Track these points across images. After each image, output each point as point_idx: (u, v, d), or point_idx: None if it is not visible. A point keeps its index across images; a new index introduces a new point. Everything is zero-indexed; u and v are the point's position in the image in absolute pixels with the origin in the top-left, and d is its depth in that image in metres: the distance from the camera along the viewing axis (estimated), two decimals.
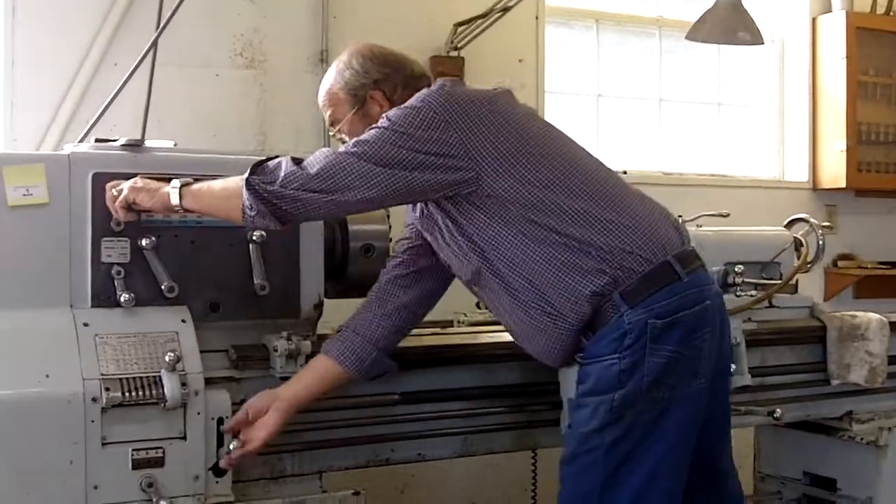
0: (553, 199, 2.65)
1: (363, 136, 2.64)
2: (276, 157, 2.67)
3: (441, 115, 2.63)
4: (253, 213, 2.59)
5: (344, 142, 2.80)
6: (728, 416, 2.96)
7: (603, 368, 2.62)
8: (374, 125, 2.67)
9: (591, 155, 2.91)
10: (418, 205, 2.84)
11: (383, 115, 2.68)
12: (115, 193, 2.68)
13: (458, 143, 2.63)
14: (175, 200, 2.65)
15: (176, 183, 2.66)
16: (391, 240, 3.17)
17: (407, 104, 2.68)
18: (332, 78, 2.90)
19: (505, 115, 2.76)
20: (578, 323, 2.65)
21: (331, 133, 2.97)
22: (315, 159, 2.61)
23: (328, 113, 2.91)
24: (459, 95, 2.73)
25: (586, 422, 2.66)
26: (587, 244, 2.62)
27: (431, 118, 2.62)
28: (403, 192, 2.64)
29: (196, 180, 2.69)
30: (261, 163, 2.65)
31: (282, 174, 2.58)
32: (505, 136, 2.69)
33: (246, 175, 2.60)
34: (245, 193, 2.58)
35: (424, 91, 2.73)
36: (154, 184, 2.68)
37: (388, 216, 3.19)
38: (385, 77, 2.87)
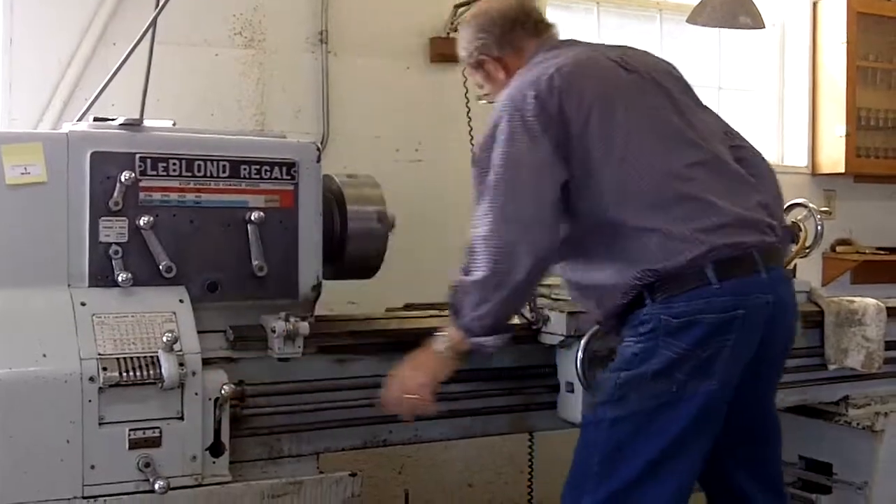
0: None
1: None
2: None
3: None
4: (495, 343, 2.74)
5: (492, 103, 2.93)
6: (771, 429, 3.00)
7: (623, 349, 2.73)
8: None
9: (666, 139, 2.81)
10: None
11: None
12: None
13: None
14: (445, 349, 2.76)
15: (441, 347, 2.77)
16: (392, 222, 3.17)
17: None
18: (458, 53, 3.08)
19: None
20: (620, 302, 2.71)
21: (478, 99, 3.17)
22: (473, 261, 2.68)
23: (474, 83, 3.13)
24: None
25: (601, 394, 2.77)
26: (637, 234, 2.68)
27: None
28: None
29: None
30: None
31: (465, 313, 2.69)
32: None
33: (456, 323, 2.72)
34: (473, 341, 2.73)
35: None
36: (429, 358, 2.78)
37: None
38: (483, 42, 2.97)
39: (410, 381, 2.77)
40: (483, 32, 2.98)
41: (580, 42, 3.03)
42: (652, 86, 2.82)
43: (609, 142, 2.69)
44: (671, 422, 2.64)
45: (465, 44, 3.03)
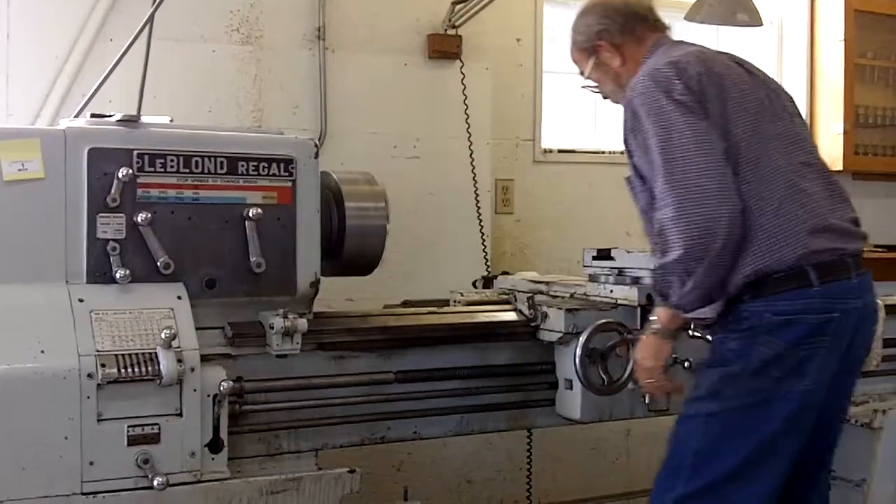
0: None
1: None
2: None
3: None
4: (712, 311, 2.73)
5: (595, 91, 3.15)
6: (839, 425, 2.99)
7: (718, 344, 2.76)
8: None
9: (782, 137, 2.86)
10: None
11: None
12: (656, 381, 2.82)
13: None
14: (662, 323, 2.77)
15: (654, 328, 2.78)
16: (388, 219, 3.16)
17: None
18: (572, 39, 3.15)
19: None
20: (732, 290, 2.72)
21: (583, 87, 3.21)
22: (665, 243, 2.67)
23: (579, 69, 3.17)
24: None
25: (696, 388, 2.78)
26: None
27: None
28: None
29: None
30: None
31: (674, 293, 2.68)
32: None
33: (671, 301, 2.71)
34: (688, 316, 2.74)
35: None
36: (650, 343, 2.80)
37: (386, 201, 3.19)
38: (605, 28, 3.03)
39: (640, 367, 2.83)
40: (606, 19, 3.04)
41: (695, 43, 3.10)
42: (766, 90, 2.89)
43: (741, 128, 2.74)
44: (764, 420, 2.67)
45: (582, 28, 3.09)
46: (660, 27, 3.05)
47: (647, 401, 3.17)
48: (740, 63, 2.92)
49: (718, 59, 2.87)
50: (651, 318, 2.82)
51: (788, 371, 2.66)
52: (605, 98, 3.19)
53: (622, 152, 5.78)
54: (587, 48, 3.07)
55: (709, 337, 2.86)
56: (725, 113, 2.73)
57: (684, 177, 2.63)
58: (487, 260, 4.87)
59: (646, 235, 2.90)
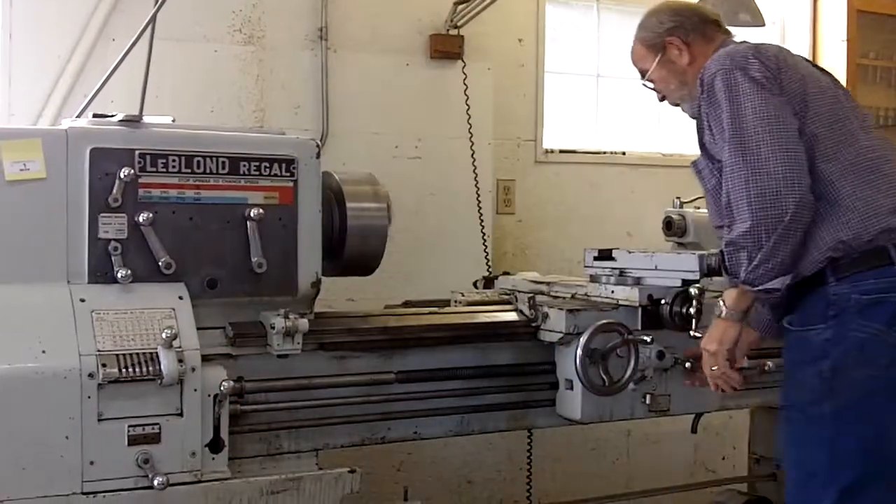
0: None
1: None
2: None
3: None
4: (782, 284, 2.67)
5: (655, 91, 3.19)
6: None
7: (810, 337, 2.71)
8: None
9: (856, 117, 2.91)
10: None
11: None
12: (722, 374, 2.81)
13: None
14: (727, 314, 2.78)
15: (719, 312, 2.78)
16: (390, 219, 3.16)
17: None
18: (638, 36, 3.18)
19: None
20: (805, 274, 2.71)
21: (642, 83, 3.22)
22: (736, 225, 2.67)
23: (639, 67, 3.19)
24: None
25: (801, 394, 2.73)
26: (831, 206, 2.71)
27: None
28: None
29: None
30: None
31: (743, 268, 2.66)
32: None
33: (738, 281, 2.70)
34: (759, 289, 2.67)
35: None
36: (715, 326, 2.80)
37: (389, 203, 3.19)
38: (676, 25, 3.09)
39: (707, 357, 2.82)
40: (678, 17, 3.10)
41: None
42: (836, 86, 2.92)
43: (820, 108, 2.77)
44: (881, 409, 2.63)
45: (652, 24, 3.14)
46: (725, 32, 3.13)
47: (655, 404, 3.15)
48: (809, 61, 3.01)
49: (794, 56, 2.92)
50: (719, 300, 2.81)
51: (891, 353, 2.62)
52: (661, 100, 3.22)
53: (623, 153, 5.83)
54: (656, 44, 3.11)
55: (787, 325, 2.79)
56: (804, 94, 2.77)
57: (756, 149, 2.65)
58: (488, 260, 4.87)
59: (711, 220, 2.95)
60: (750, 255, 2.63)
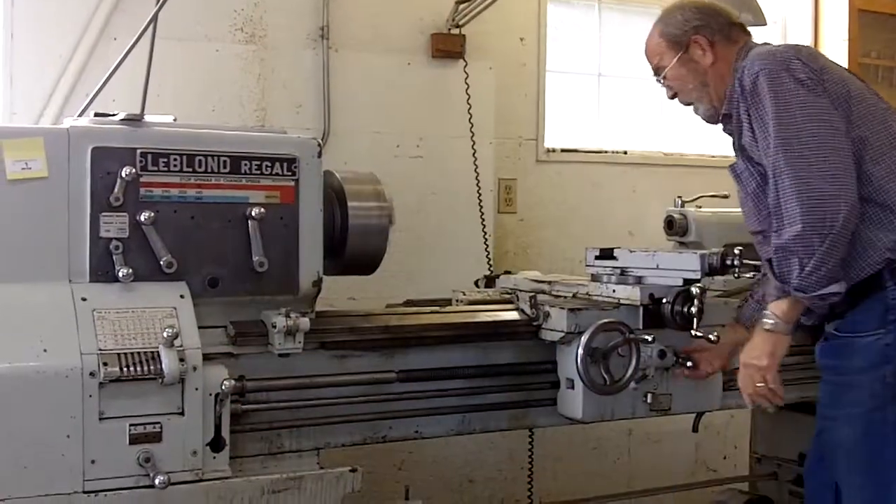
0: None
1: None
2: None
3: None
4: (836, 290, 2.62)
5: (669, 87, 3.07)
6: None
7: (868, 343, 2.68)
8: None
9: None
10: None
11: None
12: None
13: None
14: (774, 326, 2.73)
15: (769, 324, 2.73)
16: (391, 219, 3.16)
17: None
18: (658, 30, 3.10)
19: None
20: (859, 277, 2.69)
21: (656, 79, 3.12)
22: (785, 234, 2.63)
23: (654, 63, 3.10)
24: None
25: (863, 402, 2.69)
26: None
27: None
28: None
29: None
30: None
31: (794, 274, 2.61)
32: None
33: (789, 288, 2.65)
34: (812, 296, 2.63)
35: None
36: (762, 339, 2.74)
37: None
38: (703, 24, 3.03)
39: (754, 372, 2.76)
40: (704, 15, 3.05)
41: None
42: (869, 88, 2.90)
43: (866, 110, 2.76)
44: None
45: (677, 20, 3.06)
46: (747, 33, 3.09)
47: (657, 404, 3.14)
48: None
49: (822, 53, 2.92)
50: (764, 312, 2.75)
51: None
52: (671, 97, 3.13)
53: (624, 152, 5.82)
54: (679, 42, 3.03)
55: (835, 332, 2.77)
56: (848, 96, 2.74)
57: (806, 152, 2.61)
58: (490, 259, 4.88)
59: (748, 224, 2.91)
60: (801, 260, 2.58)
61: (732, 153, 3.00)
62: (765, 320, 2.74)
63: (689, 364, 3.17)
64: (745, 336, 2.98)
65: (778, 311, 2.71)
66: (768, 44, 3.05)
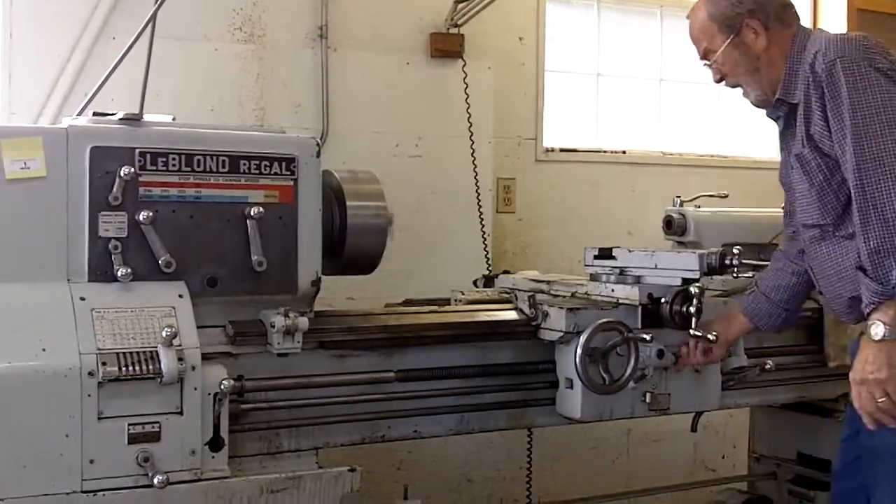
0: None
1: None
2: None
3: None
4: None
5: (717, 71, 2.98)
6: None
7: None
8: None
9: None
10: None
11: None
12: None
13: None
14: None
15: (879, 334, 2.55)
16: (391, 219, 3.16)
17: None
18: (706, 11, 2.96)
19: None
20: None
21: (704, 64, 3.03)
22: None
23: (702, 46, 2.99)
24: None
25: None
26: None
27: None
28: None
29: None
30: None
31: (894, 275, 2.53)
32: None
33: (891, 284, 2.54)
34: None
35: None
36: (873, 351, 2.56)
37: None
38: (759, 7, 2.91)
39: (875, 388, 2.55)
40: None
41: None
42: None
43: None
44: None
45: (730, 3, 2.92)
46: (798, 17, 2.97)
47: (655, 403, 3.13)
48: None
49: None
50: (870, 323, 2.57)
51: None
52: (718, 80, 3.04)
53: (623, 152, 5.83)
54: (732, 25, 2.91)
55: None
56: None
57: (892, 146, 2.53)
58: (488, 259, 4.88)
59: (807, 217, 2.81)
60: None
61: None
62: (872, 331, 2.55)
63: (710, 337, 3.07)
64: (748, 326, 2.99)
65: (886, 319, 2.53)
66: (822, 30, 2.95)
